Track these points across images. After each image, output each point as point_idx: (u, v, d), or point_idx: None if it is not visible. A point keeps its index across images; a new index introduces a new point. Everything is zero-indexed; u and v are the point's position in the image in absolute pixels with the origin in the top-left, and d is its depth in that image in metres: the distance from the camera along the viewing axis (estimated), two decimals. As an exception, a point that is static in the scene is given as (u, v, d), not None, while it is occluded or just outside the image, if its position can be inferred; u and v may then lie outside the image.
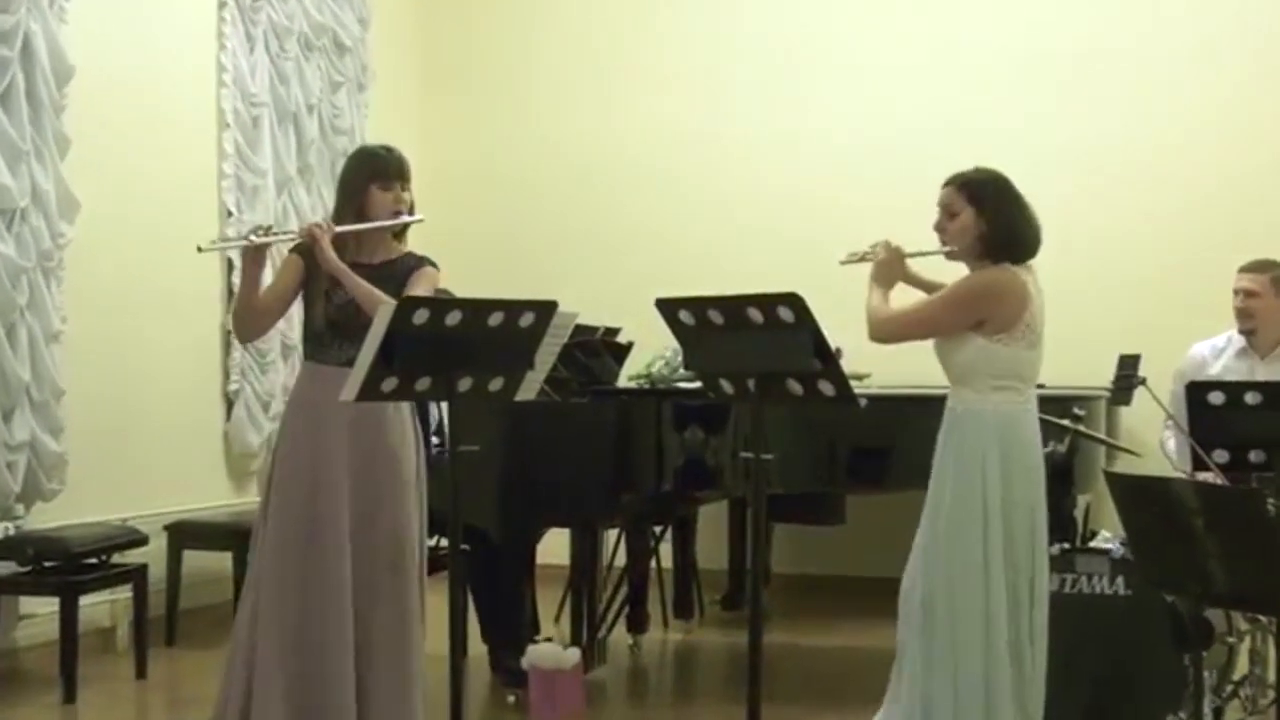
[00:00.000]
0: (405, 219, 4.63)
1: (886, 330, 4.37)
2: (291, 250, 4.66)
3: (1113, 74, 8.11)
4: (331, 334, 4.52)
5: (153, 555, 6.32)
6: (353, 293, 4.41)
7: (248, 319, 4.66)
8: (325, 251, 4.42)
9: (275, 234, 4.49)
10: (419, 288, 4.50)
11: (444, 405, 5.53)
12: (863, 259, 4.50)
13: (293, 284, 4.61)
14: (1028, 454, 4.30)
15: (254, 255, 4.49)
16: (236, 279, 7.14)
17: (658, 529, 6.76)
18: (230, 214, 7.28)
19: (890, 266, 4.44)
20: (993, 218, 4.29)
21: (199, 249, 4.52)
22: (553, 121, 9.03)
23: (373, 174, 4.59)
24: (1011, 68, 8.25)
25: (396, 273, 4.57)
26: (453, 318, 3.85)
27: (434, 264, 4.66)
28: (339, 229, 4.49)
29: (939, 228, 4.38)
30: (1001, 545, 4.20)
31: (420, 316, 3.80)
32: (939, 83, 8.33)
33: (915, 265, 4.52)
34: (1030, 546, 4.27)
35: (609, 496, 5.71)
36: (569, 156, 8.97)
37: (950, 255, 4.40)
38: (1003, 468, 4.22)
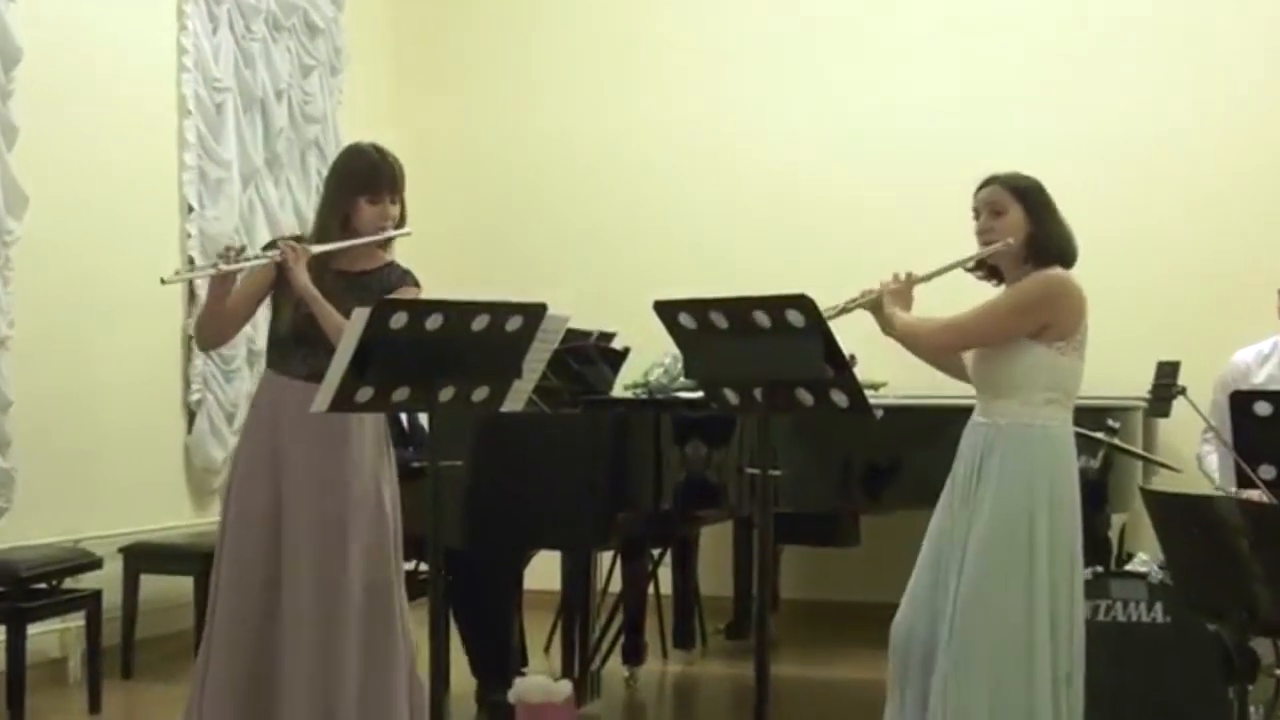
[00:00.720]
0: (389, 234, 4.65)
1: (942, 340, 4.36)
2: (264, 247, 4.68)
3: (1149, 53, 8.09)
4: (296, 343, 4.55)
5: (107, 580, 6.31)
6: (322, 323, 4.43)
7: (212, 326, 4.69)
8: (298, 276, 4.43)
9: (246, 258, 4.49)
10: None
11: (423, 417, 5.54)
12: (855, 307, 4.38)
13: (262, 286, 4.62)
14: (1074, 474, 4.28)
15: (222, 278, 4.50)
16: (200, 282, 7.16)
17: (656, 551, 6.76)
18: (191, 209, 7.28)
19: (906, 295, 4.40)
20: (1040, 218, 4.29)
21: (162, 281, 4.54)
22: (541, 108, 9.03)
23: (364, 185, 4.60)
24: (1035, 52, 8.24)
25: (375, 284, 4.60)
26: (433, 321, 3.85)
27: (416, 280, 4.70)
28: (315, 250, 4.50)
29: (984, 228, 4.34)
30: (1048, 574, 4.17)
31: (398, 320, 3.80)
32: (957, 71, 8.33)
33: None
34: (1072, 575, 4.24)
35: (603, 516, 5.70)
36: (559, 146, 8.97)
37: (976, 268, 4.38)
38: (1052, 492, 4.20)
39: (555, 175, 8.99)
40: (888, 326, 4.39)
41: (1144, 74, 8.09)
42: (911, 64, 8.42)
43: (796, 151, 8.56)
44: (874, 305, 4.41)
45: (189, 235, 7.24)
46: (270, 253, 4.50)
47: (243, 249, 4.55)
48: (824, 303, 3.86)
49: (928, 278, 4.40)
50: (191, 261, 7.15)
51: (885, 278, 4.43)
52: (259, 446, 4.58)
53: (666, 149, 8.79)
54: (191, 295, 7.13)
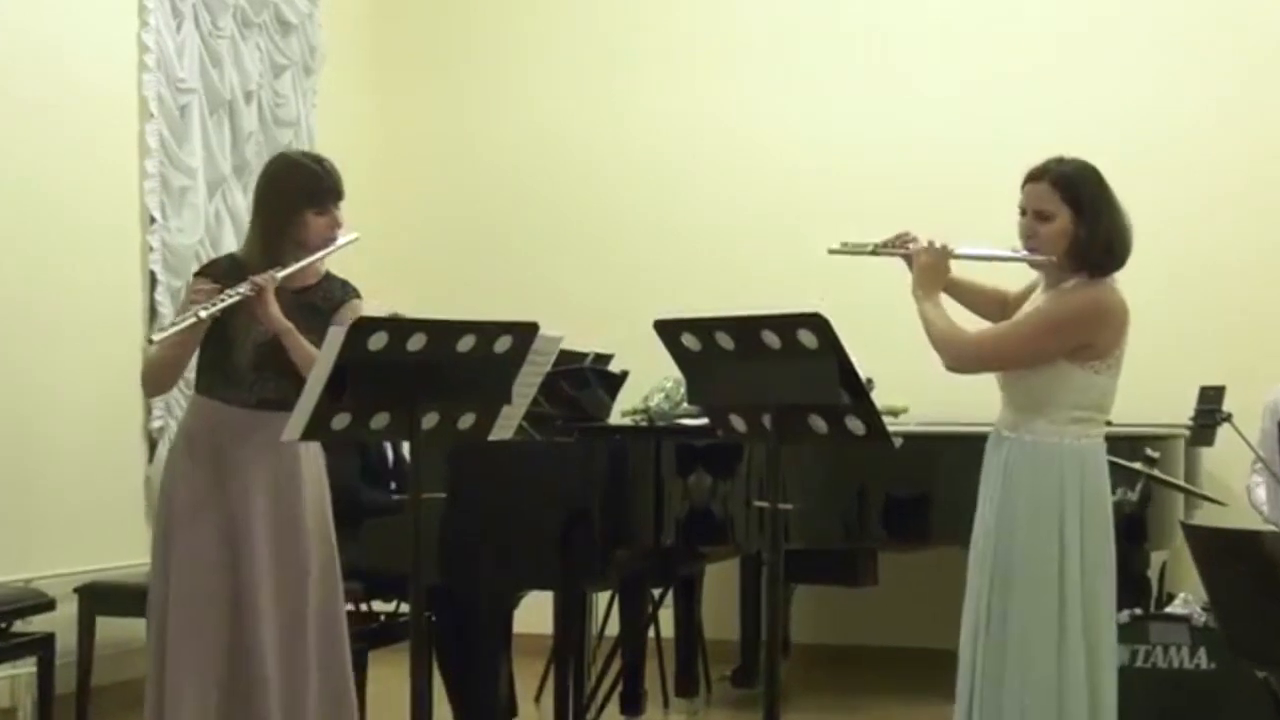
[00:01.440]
0: (342, 242, 4.73)
1: (972, 357, 4.34)
2: (200, 274, 4.76)
3: (1196, 53, 8.09)
4: (255, 373, 4.61)
5: (61, 622, 6.29)
6: (294, 354, 4.50)
7: (166, 374, 4.77)
8: (270, 308, 4.50)
9: (223, 298, 4.52)
10: None
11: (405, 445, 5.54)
12: (874, 252, 4.45)
13: (201, 329, 4.61)
14: (1105, 498, 4.30)
15: (194, 326, 4.53)
16: (160, 295, 7.16)
17: (657, 592, 6.75)
18: (154, 220, 7.27)
19: (936, 273, 4.39)
20: (1093, 222, 4.28)
21: (150, 341, 4.59)
22: (531, 109, 9.04)
23: (307, 197, 4.67)
24: (1070, 44, 8.24)
25: (319, 304, 4.69)
26: (416, 342, 3.86)
27: (358, 291, 4.81)
28: (282, 275, 4.56)
29: (1029, 231, 4.33)
30: (1081, 606, 4.18)
31: (377, 341, 3.81)
32: (983, 64, 8.33)
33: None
34: (1109, 609, 4.25)
35: (599, 553, 5.70)
36: (550, 150, 8.98)
37: (1034, 264, 4.38)
38: (1082, 515, 4.22)
39: (547, 182, 8.99)
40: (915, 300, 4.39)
41: (1182, 79, 8.09)
42: (923, 62, 8.42)
43: (813, 156, 8.54)
44: (907, 260, 4.41)
45: (151, 249, 7.24)
46: (242, 288, 4.52)
47: (218, 290, 4.56)
48: (842, 326, 3.85)
49: (964, 257, 4.39)
50: (153, 278, 7.17)
51: (923, 239, 4.42)
52: (199, 479, 4.63)
53: (667, 152, 8.78)
54: (153, 313, 7.13)
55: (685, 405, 6.02)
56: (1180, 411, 6.78)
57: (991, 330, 4.38)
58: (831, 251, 4.50)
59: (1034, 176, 4.36)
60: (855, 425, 3.91)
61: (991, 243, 4.42)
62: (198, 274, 4.81)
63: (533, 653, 6.45)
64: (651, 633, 6.79)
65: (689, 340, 4.01)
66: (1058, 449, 4.23)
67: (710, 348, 3.97)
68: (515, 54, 9.11)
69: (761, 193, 8.59)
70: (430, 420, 3.99)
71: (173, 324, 4.51)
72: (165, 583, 4.62)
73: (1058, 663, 4.17)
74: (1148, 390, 6.93)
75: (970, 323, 4.46)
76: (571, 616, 5.73)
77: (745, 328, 3.91)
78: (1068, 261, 4.28)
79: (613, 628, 6.47)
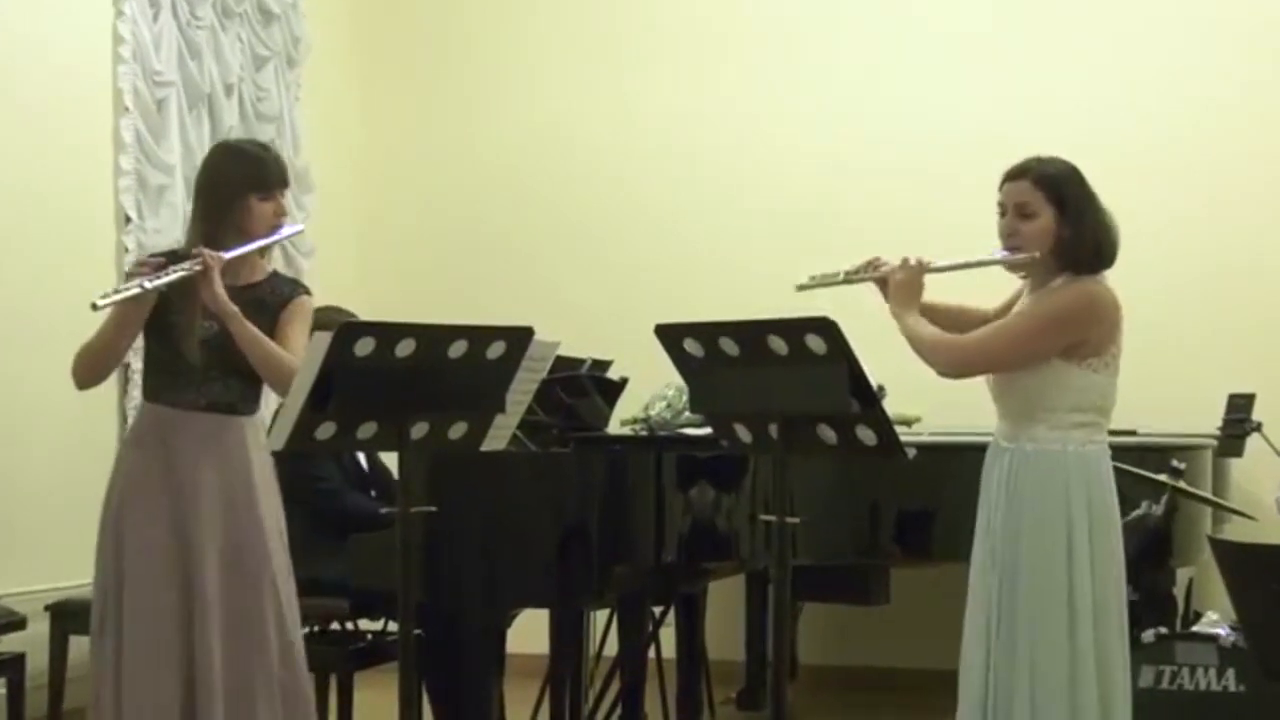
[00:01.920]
0: (288, 231, 4.78)
1: (963, 359, 4.37)
2: (139, 264, 4.76)
3: (1225, 47, 8.10)
4: (204, 373, 4.64)
5: (32, 641, 6.29)
6: (240, 340, 4.51)
7: (103, 360, 4.75)
8: (215, 287, 4.49)
9: (170, 272, 4.51)
10: (294, 326, 4.67)
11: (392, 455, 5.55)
12: (846, 281, 4.49)
13: (144, 310, 4.62)
14: (1113, 508, 4.35)
15: (135, 302, 4.53)
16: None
17: (658, 610, 6.75)
18: (129, 219, 7.27)
19: (912, 289, 4.42)
20: (1077, 219, 4.33)
21: (94, 307, 4.57)
22: (526, 103, 9.05)
23: (252, 182, 4.69)
24: (1095, 37, 8.26)
25: (266, 299, 4.72)
26: (405, 347, 3.87)
27: (308, 290, 4.83)
28: (229, 256, 4.57)
29: (1010, 230, 4.38)
30: (1091, 619, 4.21)
31: (364, 346, 3.82)
32: (1003, 55, 8.34)
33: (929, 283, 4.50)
34: (1120, 621, 4.28)
35: (597, 569, 5.70)
36: (546, 147, 8.99)
37: (1016, 265, 4.41)
38: (1091, 525, 4.26)
39: (542, 180, 9.00)
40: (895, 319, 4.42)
41: (1219, 77, 8.09)
42: (931, 62, 8.43)
43: (822, 152, 8.55)
44: (880, 282, 4.45)
45: (126, 249, 7.24)
46: (188, 264, 4.52)
47: (162, 261, 4.58)
48: (852, 331, 3.86)
49: (942, 269, 4.43)
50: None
51: (896, 258, 4.45)
52: (149, 483, 4.66)
53: (668, 149, 8.78)
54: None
55: (687, 414, 6.03)
56: (1208, 420, 6.79)
57: (981, 331, 4.41)
58: (800, 288, 4.52)
59: (1014, 175, 4.42)
60: (866, 435, 3.92)
61: (981, 248, 4.45)
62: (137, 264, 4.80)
63: (527, 673, 6.46)
64: (652, 653, 6.78)
65: (691, 346, 4.02)
66: (1062, 456, 4.28)
67: (714, 354, 3.98)
68: (509, 45, 9.11)
69: (768, 193, 8.59)
70: (420, 430, 4.00)
71: (115, 290, 4.48)
72: (110, 596, 4.66)
73: (1069, 680, 4.19)
74: (1174, 398, 6.96)
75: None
76: (567, 636, 5.73)
77: (750, 333, 3.92)
78: (1053, 261, 4.33)
79: (611, 647, 6.47)
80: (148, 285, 4.44)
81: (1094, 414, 4.33)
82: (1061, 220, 4.32)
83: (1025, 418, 4.33)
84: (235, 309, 4.50)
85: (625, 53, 8.93)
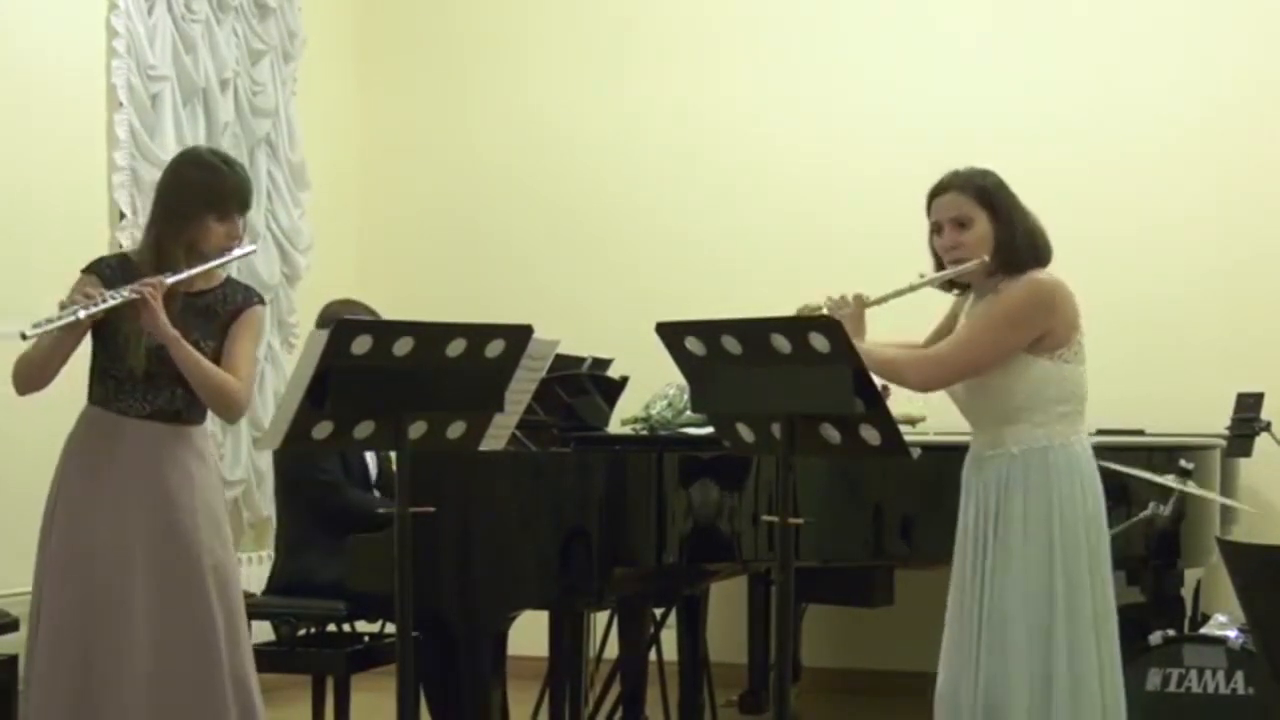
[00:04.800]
0: (237, 254, 4.78)
1: (937, 371, 4.46)
2: (88, 270, 4.76)
3: (1232, 45, 8.08)
4: (146, 382, 4.66)
5: (24, 644, 6.29)
6: (181, 365, 4.56)
7: (41, 372, 4.74)
8: (157, 318, 4.50)
9: (107, 300, 4.52)
10: (242, 342, 4.71)
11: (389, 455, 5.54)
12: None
13: (80, 331, 4.64)
14: (1099, 491, 4.45)
15: (75, 325, 4.54)
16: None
17: (659, 612, 6.75)
18: (123, 216, 7.28)
19: (852, 322, 4.43)
20: (1009, 221, 4.44)
21: (23, 336, 4.57)
22: (525, 99, 9.04)
23: (210, 202, 4.69)
24: (1096, 37, 8.24)
25: (218, 307, 4.75)
26: (402, 346, 3.86)
27: (262, 299, 4.86)
28: (171, 280, 4.57)
29: (950, 244, 4.48)
30: (1109, 621, 4.31)
31: (361, 344, 3.81)
32: (1025, 51, 8.31)
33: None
34: (1104, 624, 4.38)
35: (597, 571, 5.69)
36: (547, 143, 8.99)
37: (962, 277, 4.47)
38: (1081, 517, 4.35)
39: (541, 175, 8.99)
40: None
41: (1226, 75, 8.08)
42: (934, 62, 8.42)
43: (831, 148, 8.54)
44: None
45: (120, 246, 7.23)
46: (128, 291, 4.52)
47: (97, 291, 4.57)
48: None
49: (881, 300, 4.48)
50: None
51: (834, 294, 4.50)
52: (89, 488, 4.69)
53: (669, 145, 8.77)
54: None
55: (689, 414, 6.02)
56: (1216, 420, 6.78)
57: (946, 342, 4.53)
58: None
59: (940, 191, 4.53)
60: (870, 435, 3.92)
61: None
62: (85, 270, 4.79)
63: (527, 676, 6.45)
64: (653, 655, 6.78)
65: (693, 344, 4.02)
66: (1048, 452, 4.37)
67: (716, 352, 3.97)
68: (508, 40, 9.11)
69: (768, 192, 8.59)
70: (418, 429, 3.99)
71: (48, 319, 4.50)
72: (56, 585, 4.72)
73: (1048, 678, 4.29)
74: (1181, 397, 6.95)
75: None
76: (567, 638, 5.73)
77: (753, 331, 3.91)
78: (997, 265, 4.42)
79: (612, 649, 6.47)
80: (82, 315, 4.46)
81: (1075, 404, 4.42)
82: (995, 223, 4.42)
83: (1005, 422, 4.42)
84: (176, 335, 4.52)
85: (625, 49, 8.93)
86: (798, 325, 3.84)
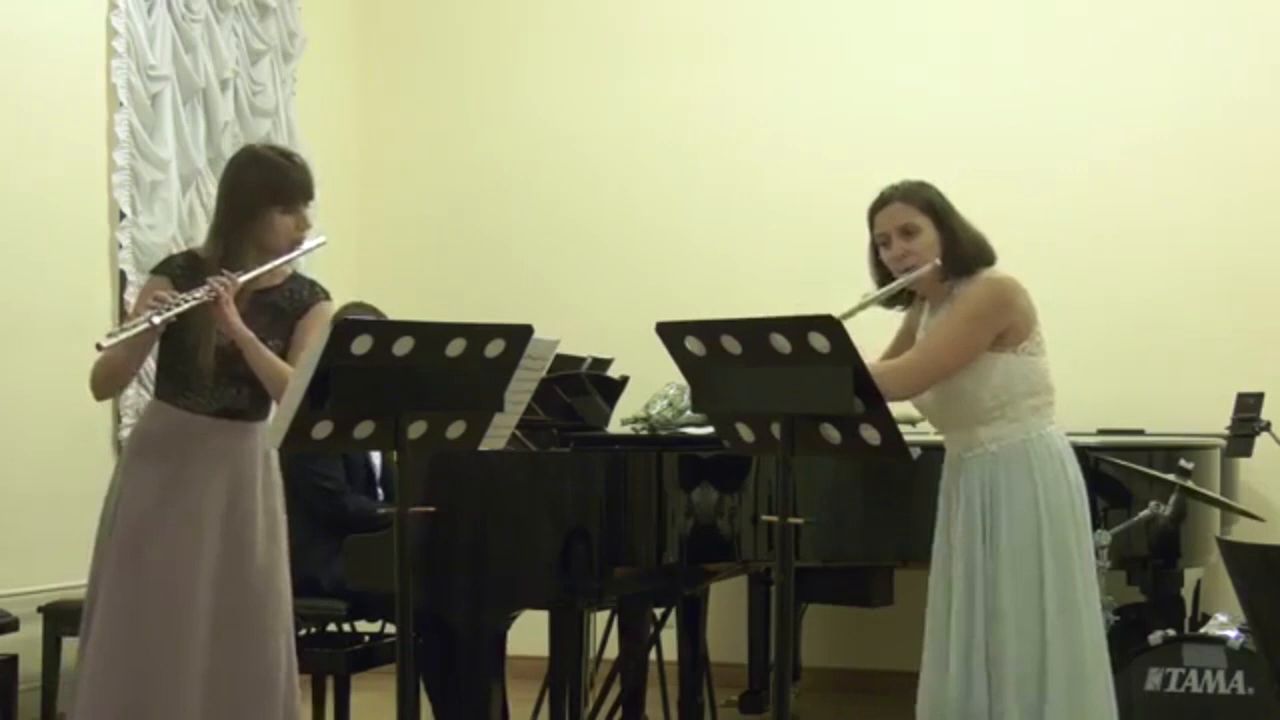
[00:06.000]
0: (309, 246, 4.75)
1: (922, 380, 4.50)
2: (156, 272, 4.78)
3: (1233, 42, 8.08)
4: (216, 381, 4.65)
5: (24, 644, 6.30)
6: (255, 366, 4.54)
7: (118, 378, 4.77)
8: (230, 318, 4.51)
9: (178, 303, 4.51)
10: (313, 336, 4.62)
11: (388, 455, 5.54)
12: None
13: (154, 335, 4.63)
14: (1078, 477, 4.51)
15: (151, 330, 4.53)
16: (130, 295, 7.15)
17: (659, 612, 6.75)
18: (123, 215, 7.28)
19: None
20: (950, 227, 4.52)
21: (99, 347, 4.58)
22: (525, 98, 9.05)
23: (274, 195, 4.67)
24: (1097, 37, 8.24)
25: (284, 306, 4.73)
26: (403, 346, 3.86)
27: (327, 293, 4.84)
28: (244, 279, 4.57)
29: (901, 253, 4.53)
30: (1094, 591, 4.40)
31: (361, 344, 3.81)
32: (1024, 51, 8.31)
33: None
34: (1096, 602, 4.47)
35: (597, 571, 5.69)
36: (546, 142, 8.99)
37: (915, 284, 4.53)
38: (1072, 501, 4.43)
39: (541, 175, 8.99)
40: None
41: (1225, 75, 8.08)
42: (935, 60, 8.42)
43: (834, 148, 8.53)
44: None
45: (120, 246, 7.25)
46: (198, 292, 4.52)
47: (170, 297, 4.55)
48: (857, 330, 3.86)
49: (847, 316, 4.46)
50: (123, 277, 7.19)
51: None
52: (151, 484, 4.66)
53: (670, 143, 8.78)
54: (122, 314, 7.13)
55: (689, 413, 6.01)
56: (1216, 420, 6.77)
57: (917, 349, 4.57)
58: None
59: (882, 204, 4.61)
60: (870, 435, 3.91)
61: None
62: (153, 272, 4.81)
63: (527, 676, 6.45)
64: (653, 655, 6.78)
65: (693, 344, 4.01)
66: (1026, 445, 4.44)
67: (716, 352, 3.97)
68: (508, 40, 9.11)
69: (768, 191, 8.59)
70: (417, 429, 3.99)
71: (122, 329, 4.51)
72: (136, 581, 4.65)
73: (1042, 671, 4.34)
74: (1182, 397, 6.95)
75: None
76: (567, 638, 5.72)
77: (753, 331, 3.91)
78: (947, 269, 4.50)
79: (612, 650, 6.48)
80: (156, 321, 4.45)
81: (1045, 395, 4.49)
82: (940, 229, 4.50)
83: (978, 422, 4.49)
84: (250, 335, 4.53)
85: (625, 50, 8.93)
86: (798, 325, 3.84)
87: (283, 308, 4.71)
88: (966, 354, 4.44)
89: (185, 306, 4.49)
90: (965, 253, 4.50)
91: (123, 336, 4.47)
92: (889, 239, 4.55)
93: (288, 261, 4.73)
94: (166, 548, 4.61)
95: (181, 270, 4.69)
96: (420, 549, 4.85)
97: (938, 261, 4.47)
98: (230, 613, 4.64)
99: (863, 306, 4.51)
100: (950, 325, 4.48)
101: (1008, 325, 4.43)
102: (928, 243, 4.49)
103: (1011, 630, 4.35)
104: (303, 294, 4.78)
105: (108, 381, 4.79)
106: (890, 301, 4.68)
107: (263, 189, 4.67)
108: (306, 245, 4.75)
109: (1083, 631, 4.36)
